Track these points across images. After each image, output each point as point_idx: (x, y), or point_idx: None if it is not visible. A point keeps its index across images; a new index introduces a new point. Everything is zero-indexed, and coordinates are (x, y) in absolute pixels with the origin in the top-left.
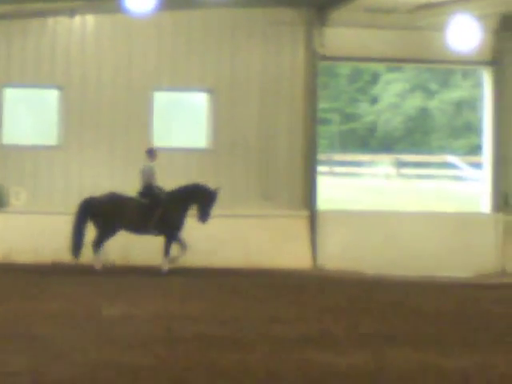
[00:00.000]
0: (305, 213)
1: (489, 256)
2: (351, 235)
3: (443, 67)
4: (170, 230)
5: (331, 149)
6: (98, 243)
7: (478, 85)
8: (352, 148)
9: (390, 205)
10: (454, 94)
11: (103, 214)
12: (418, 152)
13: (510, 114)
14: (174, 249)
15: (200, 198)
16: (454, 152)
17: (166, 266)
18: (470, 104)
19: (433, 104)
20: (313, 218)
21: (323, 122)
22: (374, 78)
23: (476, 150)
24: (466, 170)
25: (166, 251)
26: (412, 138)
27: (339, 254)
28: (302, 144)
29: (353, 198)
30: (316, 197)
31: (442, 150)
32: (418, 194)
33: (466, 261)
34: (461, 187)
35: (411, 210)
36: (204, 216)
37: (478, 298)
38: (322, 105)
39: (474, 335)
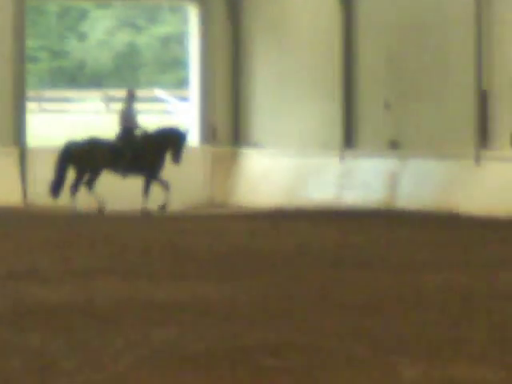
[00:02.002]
0: (14, 150)
1: (198, 188)
2: None
3: (151, 3)
4: (144, 171)
5: (41, 86)
6: (74, 186)
7: (185, 20)
8: (61, 85)
9: None
10: (162, 30)
11: (80, 156)
12: (127, 87)
13: (215, 48)
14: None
15: (173, 140)
16: (162, 86)
17: (145, 204)
18: (177, 39)
19: (141, 40)
20: (22, 154)
21: (32, 60)
22: (83, 15)
23: (184, 84)
24: (175, 104)
25: (144, 191)
26: (121, 74)
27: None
28: (10, 82)
29: (63, 134)
30: (25, 134)
31: (151, 84)
32: None
33: (176, 193)
34: (170, 121)
35: None
36: (177, 158)
37: (189, 229)
38: (31, 43)
39: (184, 266)
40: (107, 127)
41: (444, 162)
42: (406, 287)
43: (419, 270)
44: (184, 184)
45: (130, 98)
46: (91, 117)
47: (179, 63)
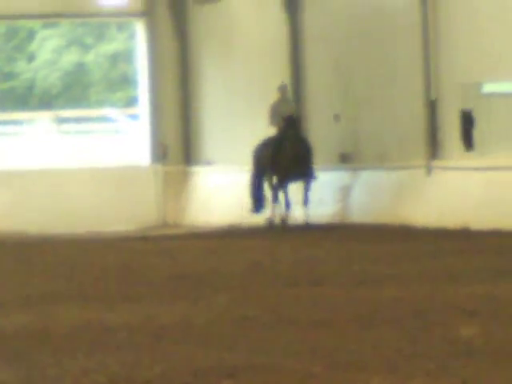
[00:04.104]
0: None
1: (150, 208)
2: (14, 195)
3: (98, 21)
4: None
5: None
6: (274, 194)
7: (132, 37)
8: (11, 107)
9: (52, 162)
10: (110, 47)
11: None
12: (77, 107)
13: (163, 64)
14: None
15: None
16: (112, 105)
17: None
18: (126, 56)
19: (89, 58)
20: None
21: None
22: (30, 36)
23: (133, 102)
24: (125, 123)
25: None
26: (70, 94)
27: (2, 215)
28: None
29: (14, 157)
30: None
31: (101, 103)
32: (79, 149)
33: (128, 214)
34: (121, 140)
35: (73, 166)
36: None
37: (141, 250)
38: None
39: (138, 289)
40: (59, 149)
41: (395, 173)
42: (361, 302)
43: (373, 284)
44: (136, 204)
45: (284, 90)
46: (42, 138)
47: (128, 81)
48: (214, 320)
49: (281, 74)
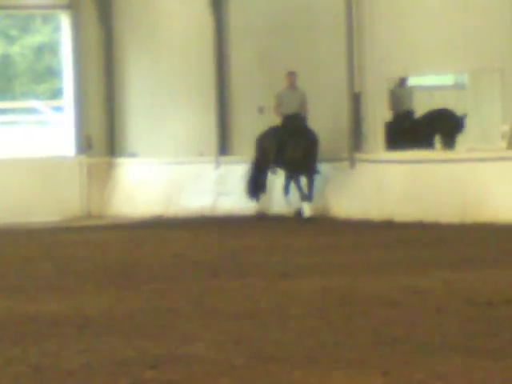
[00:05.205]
0: None
1: (75, 199)
2: None
3: (23, 13)
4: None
5: None
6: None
7: (58, 29)
8: None
9: None
10: (35, 39)
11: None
12: (1, 99)
13: (88, 56)
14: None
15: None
16: (37, 97)
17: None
18: (51, 48)
19: (14, 50)
20: None
21: None
22: None
23: (58, 93)
24: (50, 115)
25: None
26: None
27: None
28: None
29: None
30: None
31: (26, 95)
32: (3, 140)
33: (53, 205)
34: (46, 132)
35: None
36: None
37: (66, 241)
38: None
39: (62, 279)
40: None
41: (319, 165)
42: (284, 293)
43: (296, 275)
44: (60, 195)
45: (292, 77)
46: None
47: (54, 73)
48: (137, 311)
49: (205, 67)
